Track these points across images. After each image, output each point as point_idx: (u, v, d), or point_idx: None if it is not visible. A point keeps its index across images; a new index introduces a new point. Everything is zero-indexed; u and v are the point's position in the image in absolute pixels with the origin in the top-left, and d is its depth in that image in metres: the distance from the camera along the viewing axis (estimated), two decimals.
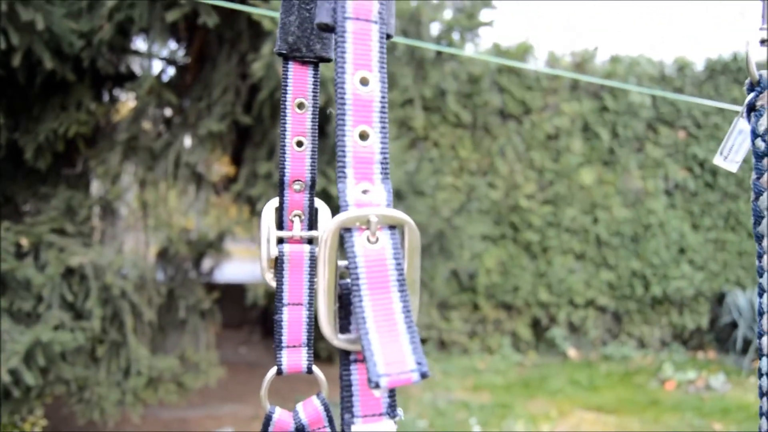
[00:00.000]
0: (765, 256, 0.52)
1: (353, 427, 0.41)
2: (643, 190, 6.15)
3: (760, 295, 0.52)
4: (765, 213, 0.52)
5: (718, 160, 0.63)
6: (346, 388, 0.42)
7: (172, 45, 4.03)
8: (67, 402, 3.26)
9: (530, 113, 6.09)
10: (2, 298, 2.97)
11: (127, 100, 4.06)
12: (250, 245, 6.10)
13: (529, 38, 6.10)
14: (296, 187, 0.64)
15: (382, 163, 0.42)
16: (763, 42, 0.54)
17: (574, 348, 6.15)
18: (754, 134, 0.53)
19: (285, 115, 0.62)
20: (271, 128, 3.59)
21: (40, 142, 3.27)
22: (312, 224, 0.65)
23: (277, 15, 0.61)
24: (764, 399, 0.51)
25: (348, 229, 0.40)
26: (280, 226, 0.64)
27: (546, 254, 6.10)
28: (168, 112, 3.91)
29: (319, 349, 4.27)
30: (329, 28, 0.43)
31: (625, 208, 6.12)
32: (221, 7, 2.89)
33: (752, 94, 0.54)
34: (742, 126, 0.61)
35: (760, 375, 0.52)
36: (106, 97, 3.89)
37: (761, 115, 0.53)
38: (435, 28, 4.29)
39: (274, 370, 0.64)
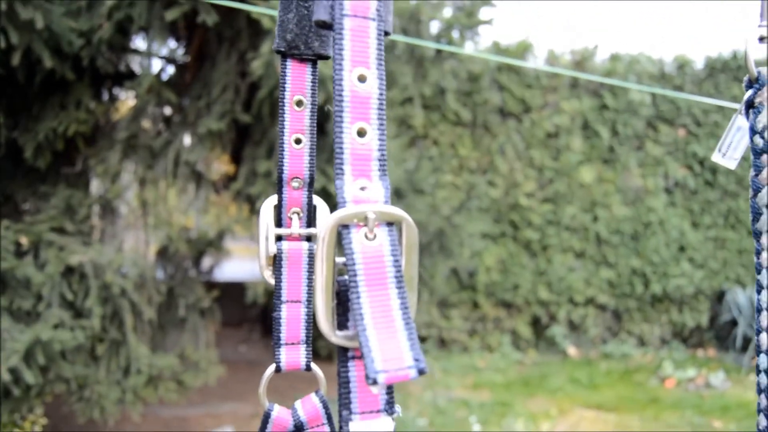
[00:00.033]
0: (763, 253, 0.52)
1: (351, 424, 0.41)
2: (643, 188, 6.15)
3: (759, 292, 0.52)
4: (763, 210, 0.52)
5: (716, 157, 0.63)
6: (344, 384, 0.42)
7: (172, 44, 4.03)
8: (67, 400, 3.26)
9: (530, 111, 6.09)
10: (2, 297, 2.98)
11: (127, 99, 4.06)
12: (250, 243, 6.10)
13: (529, 36, 6.10)
14: (295, 184, 0.63)
15: (379, 160, 0.42)
16: (761, 39, 0.54)
17: (574, 346, 6.15)
18: (753, 131, 0.53)
19: (283, 113, 0.62)
20: (271, 126, 3.59)
21: (39, 140, 3.27)
22: (310, 221, 0.65)
23: (276, 13, 0.61)
24: (762, 395, 0.51)
25: (346, 226, 0.40)
26: (278, 223, 0.64)
27: (546, 252, 6.10)
28: (167, 110, 3.91)
29: (318, 347, 4.27)
30: (327, 26, 0.43)
31: (624, 206, 6.12)
32: (220, 5, 2.89)
33: (751, 91, 0.54)
34: (740, 123, 0.61)
35: (758, 372, 0.52)
36: (105, 96, 3.89)
37: (760, 112, 0.53)
38: (435, 27, 4.28)
39: (272, 367, 0.64)
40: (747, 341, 5.76)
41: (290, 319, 0.64)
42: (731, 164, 0.62)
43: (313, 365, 0.65)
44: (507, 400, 4.65)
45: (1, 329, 2.82)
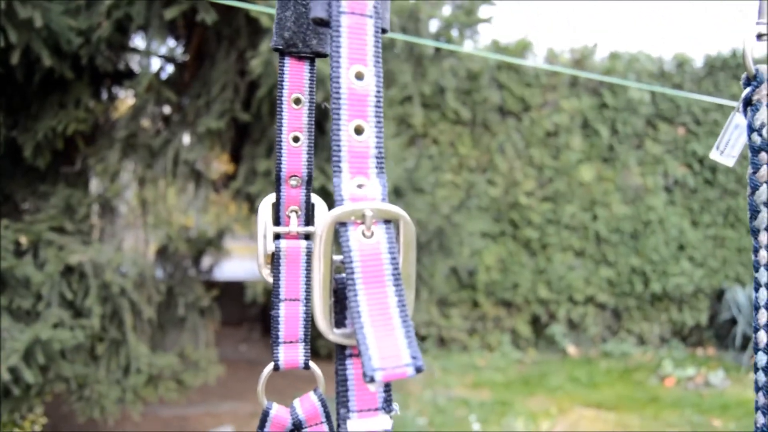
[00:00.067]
0: (761, 251, 0.52)
1: (349, 422, 0.41)
2: (642, 187, 6.15)
3: (757, 290, 0.52)
4: (762, 207, 0.52)
5: (714, 155, 0.63)
6: (341, 382, 0.42)
7: (171, 42, 4.03)
8: (67, 400, 3.26)
9: (529, 110, 6.09)
10: (2, 296, 2.97)
11: (126, 98, 4.06)
12: (250, 243, 6.10)
13: (529, 35, 6.09)
14: (293, 182, 0.63)
15: (377, 158, 0.42)
16: (759, 37, 0.54)
17: (574, 345, 6.15)
18: (751, 128, 0.53)
19: (281, 111, 0.62)
20: (270, 125, 3.59)
21: (38, 140, 3.27)
22: (309, 220, 0.65)
23: (274, 12, 0.61)
24: (760, 393, 0.51)
25: (343, 224, 0.40)
26: (276, 221, 0.64)
27: (545, 251, 6.10)
28: (167, 109, 3.91)
29: (318, 346, 4.27)
30: (324, 23, 0.43)
31: (624, 205, 6.12)
32: (219, 4, 2.88)
33: (749, 89, 0.54)
34: (738, 121, 0.61)
35: (756, 370, 0.52)
36: (104, 95, 3.89)
37: (758, 109, 0.53)
38: (434, 25, 4.28)
39: (271, 365, 0.64)
40: (746, 340, 5.77)
41: (288, 318, 0.64)
42: (729, 162, 0.62)
43: (311, 363, 0.65)
44: (507, 399, 4.65)
45: (0, 328, 2.82)
